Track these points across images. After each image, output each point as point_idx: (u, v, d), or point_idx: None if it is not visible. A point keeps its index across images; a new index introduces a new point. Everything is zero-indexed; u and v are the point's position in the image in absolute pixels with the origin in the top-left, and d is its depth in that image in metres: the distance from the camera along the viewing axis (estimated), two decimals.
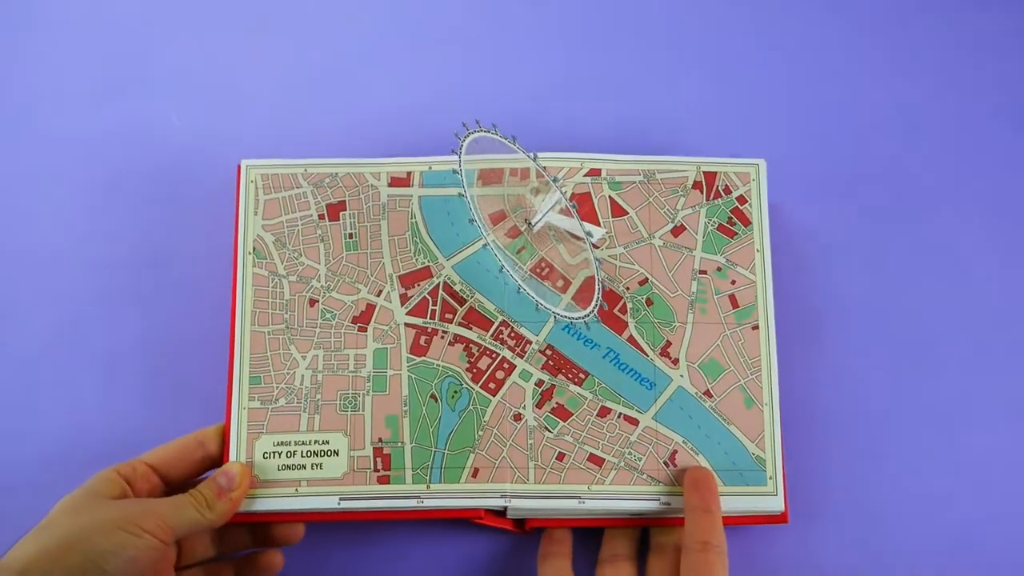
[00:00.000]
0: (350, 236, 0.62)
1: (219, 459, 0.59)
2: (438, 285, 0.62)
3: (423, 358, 0.61)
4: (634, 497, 0.59)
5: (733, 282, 0.62)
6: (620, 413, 0.60)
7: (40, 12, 0.71)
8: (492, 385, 0.61)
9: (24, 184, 0.68)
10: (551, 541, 0.60)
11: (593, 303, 0.58)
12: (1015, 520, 0.63)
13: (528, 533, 0.62)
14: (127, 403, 0.64)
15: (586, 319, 0.58)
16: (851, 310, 0.66)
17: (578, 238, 0.61)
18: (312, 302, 0.61)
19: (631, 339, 0.61)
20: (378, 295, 0.61)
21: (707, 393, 0.60)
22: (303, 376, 0.60)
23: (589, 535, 0.61)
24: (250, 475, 0.58)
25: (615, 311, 0.61)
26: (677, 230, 0.63)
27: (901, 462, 0.63)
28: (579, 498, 0.59)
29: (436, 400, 0.60)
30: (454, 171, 0.61)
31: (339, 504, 0.58)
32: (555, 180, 0.60)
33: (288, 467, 0.59)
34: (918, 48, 0.71)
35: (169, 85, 0.69)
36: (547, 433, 0.60)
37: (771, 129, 0.69)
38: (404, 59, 0.71)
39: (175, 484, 0.57)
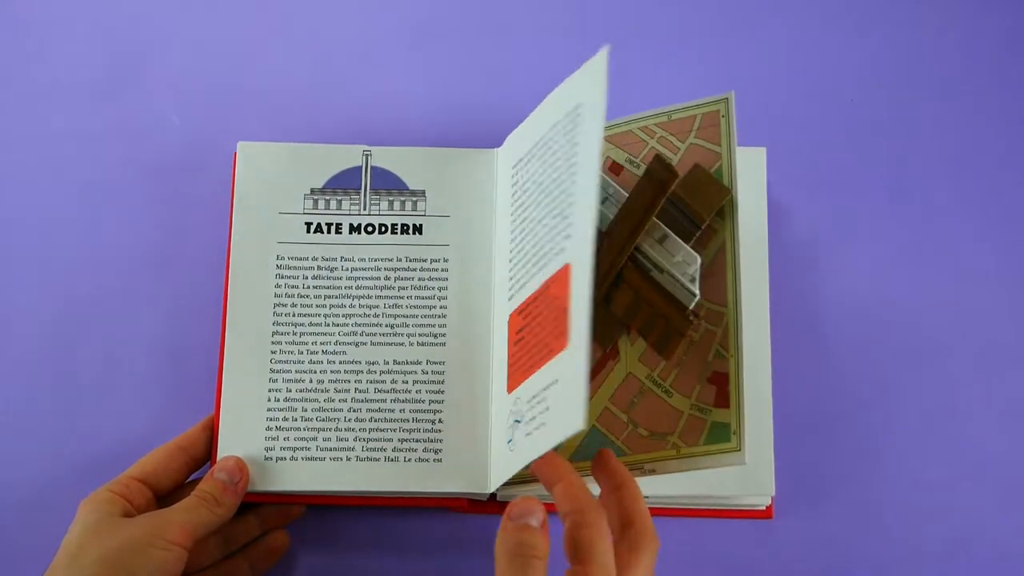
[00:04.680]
0: None
1: (202, 461, 0.60)
2: None
3: None
4: None
5: None
6: None
7: (40, 9, 0.72)
8: None
9: (22, 182, 0.69)
10: None
11: None
12: (1014, 521, 0.62)
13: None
14: (127, 403, 0.65)
15: None
16: (849, 308, 0.65)
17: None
18: None
19: None
20: None
21: None
22: None
23: None
24: (247, 468, 0.59)
25: None
26: None
27: (900, 462, 0.63)
28: None
29: None
30: None
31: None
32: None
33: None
34: (922, 46, 0.70)
35: (169, 84, 0.71)
36: None
37: (771, 126, 0.69)
38: (404, 54, 0.71)
39: (163, 494, 0.58)
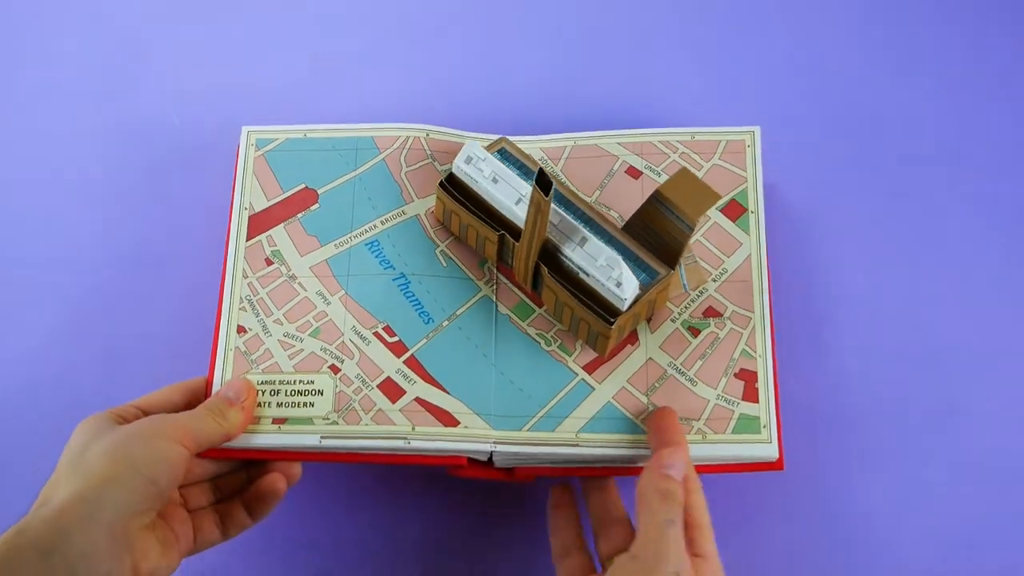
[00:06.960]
0: None
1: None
2: None
3: None
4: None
5: None
6: None
7: (40, 9, 0.72)
8: None
9: (23, 182, 0.69)
10: (562, 491, 0.60)
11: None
12: (1015, 521, 0.62)
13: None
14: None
15: None
16: (849, 302, 0.66)
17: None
18: None
19: None
20: None
21: None
22: None
23: None
24: (254, 388, 0.58)
25: None
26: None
27: (900, 463, 0.63)
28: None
29: None
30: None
31: (320, 442, 0.57)
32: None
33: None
34: (923, 34, 0.72)
35: (169, 84, 0.70)
36: None
37: (770, 117, 0.69)
38: (404, 52, 0.72)
39: None
